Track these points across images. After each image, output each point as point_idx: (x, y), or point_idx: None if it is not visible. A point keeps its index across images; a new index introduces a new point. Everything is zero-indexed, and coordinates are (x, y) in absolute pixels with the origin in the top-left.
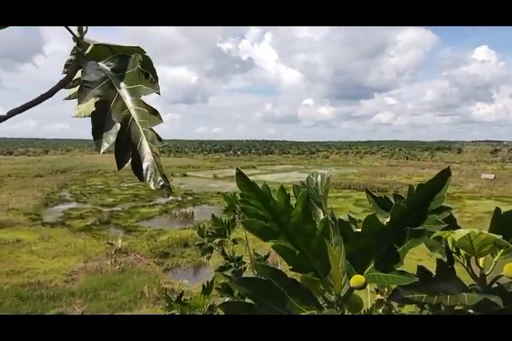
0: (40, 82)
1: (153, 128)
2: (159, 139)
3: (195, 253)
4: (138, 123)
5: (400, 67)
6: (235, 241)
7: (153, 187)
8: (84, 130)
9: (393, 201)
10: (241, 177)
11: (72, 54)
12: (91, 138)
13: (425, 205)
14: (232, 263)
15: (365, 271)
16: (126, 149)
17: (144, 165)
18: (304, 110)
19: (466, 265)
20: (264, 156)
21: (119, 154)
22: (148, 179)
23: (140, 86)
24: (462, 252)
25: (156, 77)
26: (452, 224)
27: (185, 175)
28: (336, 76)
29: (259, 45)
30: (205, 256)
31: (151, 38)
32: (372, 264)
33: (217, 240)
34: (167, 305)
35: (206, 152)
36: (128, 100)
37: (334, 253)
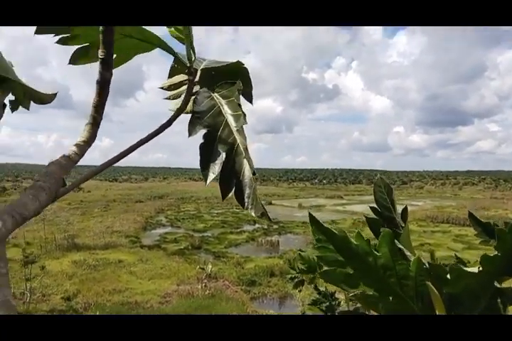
0: (141, 115)
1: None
2: (253, 172)
3: (281, 283)
4: (242, 151)
5: (503, 90)
6: None
7: (254, 215)
8: (180, 159)
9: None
10: (314, 222)
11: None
12: (185, 166)
13: None
14: (324, 299)
15: None
16: (231, 178)
17: (246, 193)
18: (394, 138)
19: None
20: (351, 186)
21: (224, 183)
22: (250, 206)
23: (241, 113)
24: None
25: (251, 87)
26: None
27: (270, 204)
28: (428, 102)
29: (346, 73)
30: (297, 289)
31: None
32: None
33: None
34: None
35: (291, 180)
36: (233, 128)
37: (437, 294)
